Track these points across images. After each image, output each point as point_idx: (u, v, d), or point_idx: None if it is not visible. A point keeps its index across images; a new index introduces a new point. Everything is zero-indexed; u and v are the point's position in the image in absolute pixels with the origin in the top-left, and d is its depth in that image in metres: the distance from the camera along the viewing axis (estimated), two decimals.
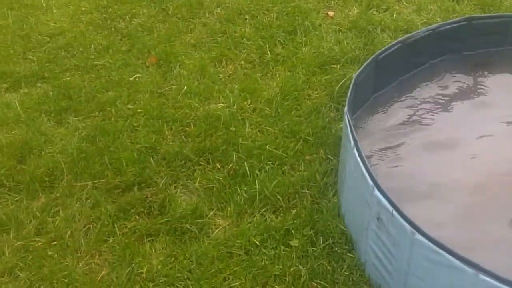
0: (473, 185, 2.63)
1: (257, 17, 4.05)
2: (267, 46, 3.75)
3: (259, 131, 3.13)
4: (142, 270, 2.41)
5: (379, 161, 2.74)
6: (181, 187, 2.82)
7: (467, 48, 3.35)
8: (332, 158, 2.91)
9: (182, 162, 2.93)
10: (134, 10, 4.20)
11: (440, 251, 2.01)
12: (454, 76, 3.26)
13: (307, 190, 2.75)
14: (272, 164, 2.91)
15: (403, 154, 2.79)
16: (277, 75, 3.52)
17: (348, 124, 2.53)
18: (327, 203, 2.67)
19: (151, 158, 2.94)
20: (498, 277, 1.91)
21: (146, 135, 3.08)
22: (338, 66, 3.55)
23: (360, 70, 2.87)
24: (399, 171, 2.69)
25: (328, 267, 2.39)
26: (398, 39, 3.13)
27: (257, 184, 2.76)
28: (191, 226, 2.59)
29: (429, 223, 2.34)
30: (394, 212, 2.15)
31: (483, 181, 2.64)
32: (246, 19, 4.04)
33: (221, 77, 3.52)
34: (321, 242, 2.50)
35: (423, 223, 2.11)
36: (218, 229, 2.60)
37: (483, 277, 1.93)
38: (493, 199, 2.57)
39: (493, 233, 2.42)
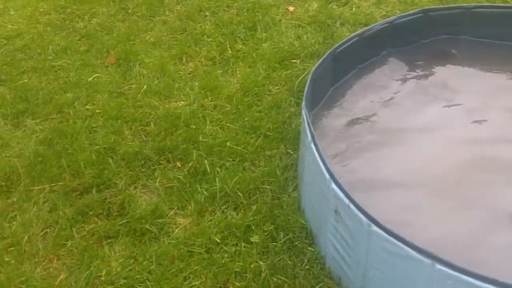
0: (432, 176, 2.65)
1: (217, 13, 4.03)
2: (227, 42, 3.74)
3: (219, 128, 3.11)
4: (101, 273, 2.38)
5: (337, 155, 2.74)
6: (141, 187, 2.79)
7: (425, 40, 3.39)
8: (292, 152, 2.91)
9: (142, 162, 2.90)
10: (93, 10, 4.15)
11: (396, 242, 2.02)
12: (412, 67, 3.28)
13: (268, 185, 2.75)
14: (233, 160, 2.90)
15: (361, 147, 2.80)
16: (238, 72, 3.50)
17: (305, 119, 2.53)
18: (287, 198, 2.67)
19: (110, 159, 2.90)
20: (454, 266, 1.93)
21: (105, 136, 3.04)
22: (298, 61, 3.55)
23: (317, 64, 2.88)
24: (357, 164, 2.70)
25: (289, 262, 2.39)
26: (355, 33, 3.14)
27: (217, 182, 2.75)
28: (151, 227, 2.57)
29: (388, 214, 2.40)
30: (351, 205, 2.16)
31: (441, 172, 2.67)
32: (206, 16, 4.02)
33: (181, 75, 3.49)
34: (282, 237, 2.50)
35: (382, 215, 2.14)
36: (178, 228, 2.58)
37: (439, 266, 1.95)
38: (453, 189, 2.60)
39: (453, 223, 2.45)
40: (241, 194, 2.70)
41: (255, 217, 2.59)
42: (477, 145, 2.78)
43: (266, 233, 2.52)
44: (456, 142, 2.81)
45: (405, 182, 2.63)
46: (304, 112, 2.55)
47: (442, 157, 2.73)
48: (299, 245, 2.48)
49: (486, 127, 2.90)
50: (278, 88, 3.38)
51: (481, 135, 2.85)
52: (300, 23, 3.92)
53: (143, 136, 3.05)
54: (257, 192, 2.73)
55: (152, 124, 3.11)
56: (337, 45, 3.02)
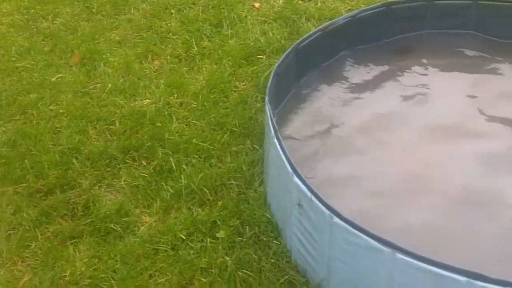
0: (400, 168, 2.68)
1: (183, 11, 4.01)
2: (193, 40, 3.72)
3: (186, 125, 3.11)
4: (65, 274, 2.35)
5: (301, 149, 2.75)
6: (106, 186, 2.77)
7: (388, 33, 3.42)
8: (258, 148, 2.91)
9: (107, 161, 2.88)
10: (57, 10, 4.09)
11: (357, 232, 2.05)
12: (375, 61, 3.30)
13: (234, 181, 2.75)
14: (199, 157, 2.90)
15: (326, 141, 2.82)
16: (204, 69, 3.50)
17: (268, 113, 2.54)
18: (253, 193, 2.68)
19: (75, 159, 2.88)
20: (414, 254, 1.96)
21: (69, 136, 3.01)
22: (264, 56, 3.56)
23: (281, 60, 2.89)
24: (321, 159, 2.71)
25: (254, 256, 2.40)
26: (318, 27, 3.16)
27: (183, 179, 2.74)
28: (115, 226, 2.55)
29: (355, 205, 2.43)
30: (313, 197, 2.17)
31: (407, 165, 2.70)
32: (172, 13, 4.00)
33: (146, 73, 3.47)
34: (248, 231, 2.50)
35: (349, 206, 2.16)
36: (144, 227, 2.57)
37: (399, 255, 1.97)
38: (419, 180, 2.63)
39: (417, 212, 2.48)
40: (207, 191, 2.70)
41: (221, 212, 2.59)
42: (441, 137, 2.82)
43: (232, 228, 2.53)
44: (421, 135, 2.84)
45: (372, 176, 2.65)
46: (267, 107, 2.56)
47: (407, 150, 2.76)
48: (265, 239, 2.49)
49: (449, 118, 2.93)
50: (245, 84, 3.38)
51: (445, 127, 2.88)
52: (266, 19, 3.92)
53: (108, 135, 3.03)
54: (224, 188, 2.73)
55: (117, 123, 3.09)
56: (300, 40, 3.04)
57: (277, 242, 2.46)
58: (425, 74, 3.26)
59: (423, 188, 2.57)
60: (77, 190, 2.74)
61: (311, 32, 3.13)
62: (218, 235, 2.50)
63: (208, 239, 2.48)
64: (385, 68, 3.28)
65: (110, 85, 3.34)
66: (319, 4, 4.06)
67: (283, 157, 2.33)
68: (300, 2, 4.10)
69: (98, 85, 3.38)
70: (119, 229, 2.54)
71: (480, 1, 3.47)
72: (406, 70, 3.27)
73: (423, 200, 2.52)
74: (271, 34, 3.75)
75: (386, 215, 2.46)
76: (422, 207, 2.49)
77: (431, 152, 2.74)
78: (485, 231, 2.39)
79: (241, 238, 2.48)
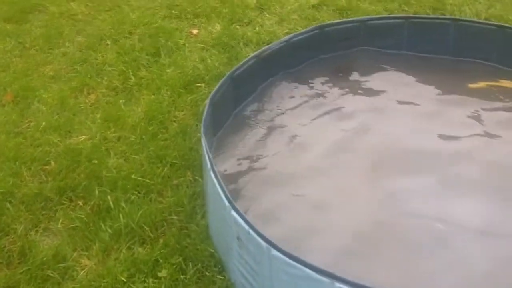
0: (336, 186, 2.69)
1: (119, 41, 3.96)
2: (130, 70, 3.67)
3: (124, 160, 3.04)
4: None
5: (239, 179, 2.72)
6: (42, 231, 2.66)
7: (323, 56, 3.45)
8: (199, 179, 2.86)
9: (43, 203, 2.78)
10: None
11: (296, 264, 2.02)
12: (310, 84, 3.32)
13: (175, 216, 2.69)
14: (138, 193, 2.83)
15: (263, 168, 2.80)
16: (142, 100, 3.44)
17: (204, 146, 2.51)
18: (195, 227, 2.62)
19: (8, 204, 2.76)
20: (353, 283, 1.95)
21: (2, 179, 2.89)
22: (203, 84, 3.53)
23: (216, 88, 2.87)
24: (258, 187, 2.69)
25: None
26: (253, 54, 3.16)
27: (122, 218, 2.66)
28: (53, 273, 2.45)
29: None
30: (251, 231, 2.14)
31: (342, 183, 2.71)
32: (108, 44, 3.94)
33: (82, 107, 3.39)
34: (191, 268, 2.44)
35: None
36: (83, 271, 2.47)
37: (338, 284, 1.96)
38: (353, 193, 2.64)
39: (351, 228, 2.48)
40: (147, 228, 2.63)
41: (162, 250, 2.52)
42: (371, 153, 2.85)
43: (174, 266, 2.46)
44: (353, 153, 2.86)
45: (307, 197, 2.64)
46: (203, 139, 2.53)
47: (341, 169, 2.77)
48: (208, 274, 2.43)
49: (381, 137, 2.94)
50: (184, 114, 3.34)
51: (377, 145, 2.90)
52: (204, 46, 3.91)
53: (43, 176, 2.93)
54: (165, 224, 2.67)
55: (52, 163, 2.99)
56: (235, 67, 3.03)
57: (221, 277, 2.41)
58: (358, 94, 3.28)
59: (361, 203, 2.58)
60: (12, 236, 2.62)
61: (246, 59, 3.13)
62: (160, 274, 2.43)
63: (150, 280, 2.41)
64: (321, 89, 3.29)
65: (44, 123, 3.24)
66: (257, 28, 4.08)
67: (219, 190, 2.30)
68: (238, 26, 4.11)
69: (31, 123, 3.27)
70: (57, 276, 2.44)
71: (412, 20, 3.56)
72: (340, 91, 3.29)
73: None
74: (209, 61, 3.73)
75: (327, 235, 2.46)
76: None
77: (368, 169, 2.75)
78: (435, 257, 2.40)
79: (184, 276, 2.42)
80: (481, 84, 3.30)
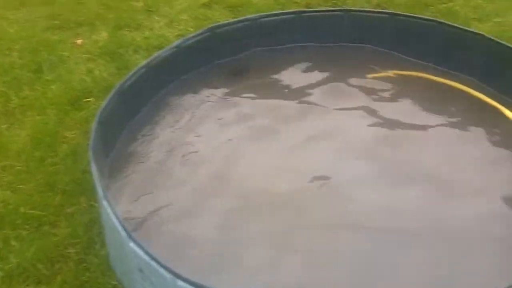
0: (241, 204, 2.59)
1: None
2: (11, 91, 3.37)
3: (11, 192, 2.77)
4: None
5: (137, 206, 2.54)
6: None
7: (218, 57, 3.33)
8: (94, 203, 2.66)
9: None
10: None
11: None
12: (209, 88, 3.19)
13: (72, 249, 2.48)
14: (29, 228, 2.58)
15: (164, 190, 2.63)
16: (26, 122, 3.16)
17: (94, 172, 2.31)
18: (94, 258, 2.43)
19: None
20: None
21: None
22: (93, 98, 3.30)
23: (103, 105, 2.67)
24: (161, 211, 2.52)
25: None
26: (141, 64, 2.98)
27: (13, 258, 2.43)
28: None
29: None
30: (152, 262, 1.99)
31: (243, 200, 2.61)
32: None
33: None
34: None
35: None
36: None
37: None
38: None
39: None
40: (41, 266, 2.41)
41: None
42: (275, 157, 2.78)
43: None
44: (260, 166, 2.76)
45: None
46: (92, 166, 2.33)
47: (244, 179, 2.67)
48: None
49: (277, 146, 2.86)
50: (74, 133, 3.10)
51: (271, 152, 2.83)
52: (91, 56, 3.66)
53: None
54: (61, 258, 2.45)
55: None
56: (123, 80, 2.84)
57: None
58: (253, 96, 3.18)
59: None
60: None
61: (135, 70, 2.94)
62: None
63: None
64: (215, 95, 3.15)
65: None
66: (146, 32, 3.88)
67: (115, 221, 2.13)
68: (125, 32, 3.89)
69: None
70: None
71: (304, 14, 3.51)
72: (236, 94, 3.17)
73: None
74: (97, 72, 3.50)
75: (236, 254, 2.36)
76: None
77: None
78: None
79: None
80: (380, 74, 3.30)
